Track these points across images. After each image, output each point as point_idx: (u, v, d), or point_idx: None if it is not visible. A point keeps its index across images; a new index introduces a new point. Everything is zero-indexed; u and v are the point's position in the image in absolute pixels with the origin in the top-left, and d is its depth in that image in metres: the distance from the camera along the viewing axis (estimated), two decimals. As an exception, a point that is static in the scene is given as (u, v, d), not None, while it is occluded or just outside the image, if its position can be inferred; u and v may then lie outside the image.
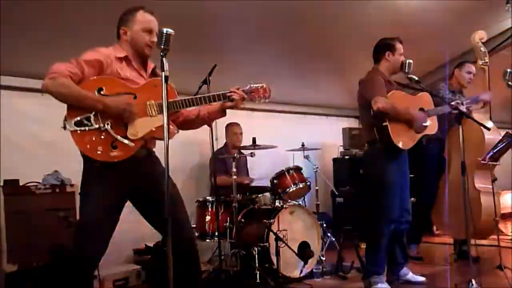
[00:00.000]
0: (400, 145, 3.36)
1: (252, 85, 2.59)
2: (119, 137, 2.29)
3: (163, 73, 2.02)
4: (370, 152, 3.64)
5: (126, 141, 2.30)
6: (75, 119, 2.24)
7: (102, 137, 2.27)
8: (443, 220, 4.37)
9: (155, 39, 2.32)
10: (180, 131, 2.75)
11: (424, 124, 3.48)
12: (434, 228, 5.71)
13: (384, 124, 3.33)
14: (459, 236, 4.34)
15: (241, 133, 5.01)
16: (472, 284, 3.10)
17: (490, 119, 4.15)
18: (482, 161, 4.01)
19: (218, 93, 2.50)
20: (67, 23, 3.60)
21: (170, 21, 2.31)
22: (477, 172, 4.19)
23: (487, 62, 3.96)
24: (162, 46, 2.03)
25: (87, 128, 2.25)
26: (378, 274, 3.49)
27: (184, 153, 5.03)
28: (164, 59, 2.03)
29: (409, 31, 4.53)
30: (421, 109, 3.55)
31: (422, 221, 4.54)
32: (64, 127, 2.25)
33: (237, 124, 5.03)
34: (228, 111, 2.63)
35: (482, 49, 3.97)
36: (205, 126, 2.87)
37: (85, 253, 2.31)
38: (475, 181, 4.16)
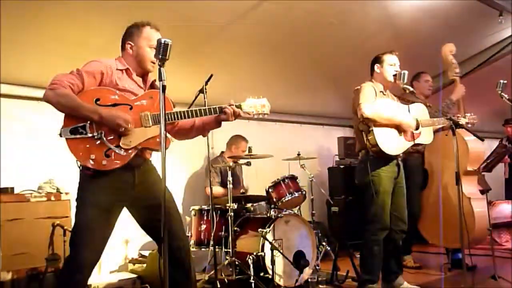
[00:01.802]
0: (387, 150, 3.39)
1: (250, 100, 2.60)
2: (112, 146, 2.32)
3: (160, 82, 2.04)
4: (361, 160, 3.67)
5: (119, 151, 2.32)
6: (71, 127, 2.28)
7: (96, 145, 2.30)
8: (432, 230, 4.42)
9: None
10: (176, 140, 2.79)
11: (415, 131, 3.50)
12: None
13: (370, 129, 3.38)
14: (451, 245, 4.38)
15: (246, 151, 4.99)
16: (466, 294, 3.12)
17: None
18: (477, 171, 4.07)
19: (213, 106, 2.53)
20: (65, 32, 3.61)
21: (168, 31, 2.34)
22: (464, 179, 4.24)
23: (458, 73, 4.01)
24: (160, 56, 2.05)
25: (82, 136, 2.28)
26: (372, 283, 3.50)
27: (180, 162, 5.05)
28: (162, 68, 2.05)
29: (404, 42, 4.60)
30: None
31: (410, 232, 4.59)
32: (60, 135, 2.29)
33: (246, 141, 5.03)
34: None
35: (453, 60, 4.03)
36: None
37: (78, 261, 2.30)
38: (463, 189, 4.21)
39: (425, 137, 3.61)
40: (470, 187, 4.22)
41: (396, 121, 3.44)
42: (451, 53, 4.01)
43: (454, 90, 4.16)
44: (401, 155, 3.60)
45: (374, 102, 3.41)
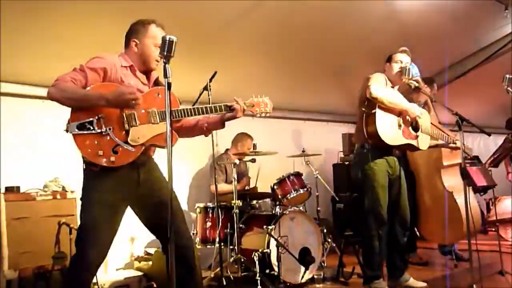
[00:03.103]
0: (382, 136, 3.36)
1: (253, 99, 2.62)
2: (121, 142, 2.31)
3: (166, 79, 2.03)
4: (357, 153, 3.65)
5: (127, 146, 2.31)
6: (78, 123, 2.26)
7: (104, 141, 2.29)
8: (428, 228, 4.54)
9: None
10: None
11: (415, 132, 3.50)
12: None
13: (373, 111, 3.36)
14: (446, 241, 4.42)
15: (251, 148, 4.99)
16: (474, 290, 3.11)
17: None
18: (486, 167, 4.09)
19: (220, 104, 2.53)
20: (67, 30, 3.61)
21: (171, 28, 2.34)
22: (444, 172, 4.28)
23: (418, 74, 3.99)
24: (165, 53, 2.04)
25: (89, 132, 2.27)
26: (377, 279, 3.50)
27: (184, 159, 5.04)
28: (167, 65, 2.04)
29: (409, 38, 4.57)
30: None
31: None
32: (67, 130, 2.26)
33: (251, 138, 5.02)
34: None
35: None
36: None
37: (85, 259, 2.30)
38: (444, 183, 4.26)
39: (422, 142, 3.60)
40: (451, 181, 4.25)
41: (403, 106, 3.43)
42: None
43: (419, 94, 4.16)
44: (397, 152, 3.60)
45: (385, 88, 3.41)
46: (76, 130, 2.25)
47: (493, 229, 6.11)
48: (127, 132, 2.33)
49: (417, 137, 3.54)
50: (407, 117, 3.48)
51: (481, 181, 4.70)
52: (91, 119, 2.28)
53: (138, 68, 2.51)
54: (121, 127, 2.32)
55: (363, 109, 3.47)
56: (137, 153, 2.35)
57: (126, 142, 2.32)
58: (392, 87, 3.60)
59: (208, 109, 2.50)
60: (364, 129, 3.45)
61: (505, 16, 4.76)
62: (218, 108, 2.52)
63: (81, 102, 2.26)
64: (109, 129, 2.30)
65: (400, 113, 3.48)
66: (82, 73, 2.30)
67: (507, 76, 3.60)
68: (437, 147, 3.96)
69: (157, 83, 2.60)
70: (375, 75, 3.49)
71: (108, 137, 2.29)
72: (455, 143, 3.80)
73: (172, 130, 2.04)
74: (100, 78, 2.35)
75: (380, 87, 3.37)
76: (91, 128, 2.27)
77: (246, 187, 4.96)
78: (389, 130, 3.41)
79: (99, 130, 2.28)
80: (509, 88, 3.60)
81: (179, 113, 2.44)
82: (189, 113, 2.45)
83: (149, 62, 2.51)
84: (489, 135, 3.56)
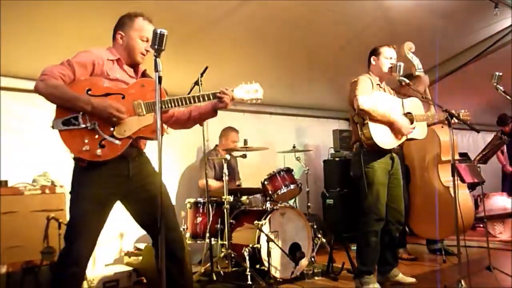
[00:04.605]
0: (381, 144, 3.40)
1: (243, 85, 2.61)
2: (107, 136, 2.30)
3: (156, 73, 2.01)
4: (356, 152, 3.67)
5: (113, 140, 2.30)
6: (63, 118, 2.25)
7: (90, 136, 2.28)
8: (420, 224, 4.58)
9: (149, 48, 2.31)
10: (171, 132, 2.77)
11: (409, 128, 3.51)
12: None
13: (366, 122, 3.38)
14: (438, 236, 4.45)
15: (238, 141, 4.97)
16: (462, 285, 3.13)
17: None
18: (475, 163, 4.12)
19: (208, 93, 2.52)
20: (56, 23, 3.57)
21: (162, 23, 2.32)
22: (441, 168, 4.31)
23: (421, 69, 4.01)
24: (156, 47, 2.03)
25: (75, 128, 2.26)
26: (369, 274, 3.51)
27: (175, 154, 5.03)
28: (158, 59, 2.02)
29: (400, 35, 4.59)
30: (408, 113, 3.58)
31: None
32: (53, 127, 2.26)
33: (236, 131, 4.98)
34: (219, 112, 2.65)
35: (413, 58, 4.03)
36: (196, 126, 2.86)
37: (73, 253, 2.28)
38: (441, 179, 4.31)
39: (419, 132, 3.62)
40: (448, 176, 4.29)
41: (391, 119, 3.44)
42: (410, 50, 4.02)
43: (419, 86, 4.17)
44: (395, 148, 3.61)
45: (371, 95, 3.41)
46: (62, 126, 2.24)
47: (481, 225, 6.17)
48: (113, 125, 2.32)
49: (413, 129, 3.55)
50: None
51: (469, 178, 4.74)
52: (76, 114, 2.26)
53: (125, 61, 2.50)
54: (106, 120, 2.30)
55: (356, 121, 3.49)
56: (124, 146, 2.33)
57: (112, 136, 2.31)
58: (379, 84, 3.61)
59: (196, 98, 2.48)
60: (361, 139, 3.46)
61: (495, 14, 4.79)
62: (206, 97, 2.51)
63: (67, 103, 2.25)
64: (95, 123, 2.28)
65: None
66: (70, 68, 2.29)
67: (496, 73, 3.62)
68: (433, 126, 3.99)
69: (144, 75, 2.58)
70: (360, 81, 3.48)
71: (94, 132, 2.28)
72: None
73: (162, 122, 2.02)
74: (88, 73, 2.35)
75: (367, 97, 3.37)
76: (77, 123, 2.26)
77: (238, 183, 4.95)
78: (385, 135, 3.44)
79: (84, 125, 2.27)
80: (498, 86, 3.63)
81: (167, 104, 2.41)
82: (177, 103, 2.43)
83: (134, 55, 2.49)
84: (478, 132, 3.58)
